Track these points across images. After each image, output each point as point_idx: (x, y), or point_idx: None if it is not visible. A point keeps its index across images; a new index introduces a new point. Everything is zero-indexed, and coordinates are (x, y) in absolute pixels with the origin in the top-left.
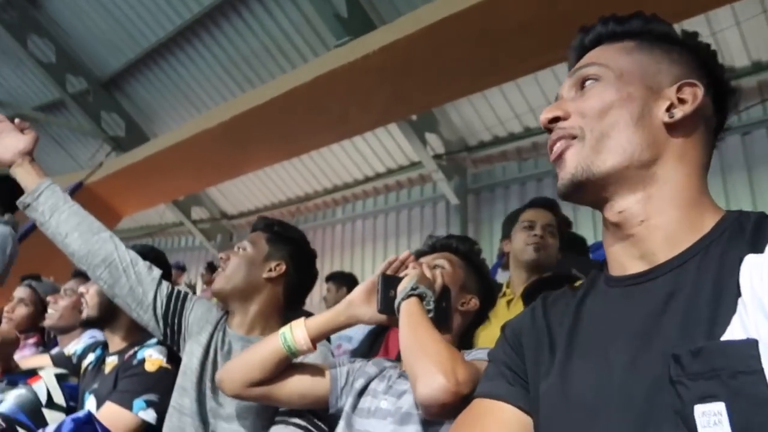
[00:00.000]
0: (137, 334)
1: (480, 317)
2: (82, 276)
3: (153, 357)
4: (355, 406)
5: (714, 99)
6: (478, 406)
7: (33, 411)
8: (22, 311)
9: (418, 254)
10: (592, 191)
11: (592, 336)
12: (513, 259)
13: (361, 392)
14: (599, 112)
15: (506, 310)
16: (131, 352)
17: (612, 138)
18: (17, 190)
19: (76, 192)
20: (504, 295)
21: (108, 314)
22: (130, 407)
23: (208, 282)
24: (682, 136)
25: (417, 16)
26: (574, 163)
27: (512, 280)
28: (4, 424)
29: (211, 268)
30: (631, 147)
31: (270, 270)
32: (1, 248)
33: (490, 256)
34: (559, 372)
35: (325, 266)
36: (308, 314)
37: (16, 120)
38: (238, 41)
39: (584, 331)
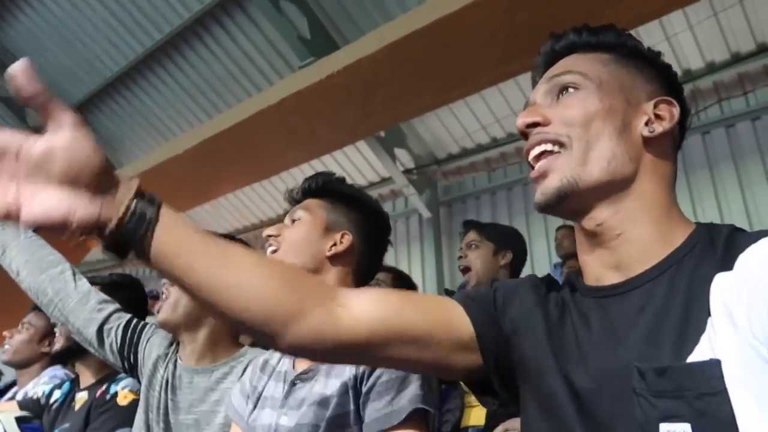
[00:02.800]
0: (109, 368)
1: (370, 248)
2: (38, 309)
3: (126, 390)
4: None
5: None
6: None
7: None
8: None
9: (285, 214)
10: (575, 203)
11: (573, 344)
12: None
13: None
14: (583, 122)
15: None
16: (103, 387)
17: (596, 150)
18: None
19: None
20: None
21: (80, 347)
22: None
23: None
24: (656, 151)
25: (379, 35)
26: (560, 175)
27: None
28: None
29: None
30: (615, 160)
31: None
32: None
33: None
34: (558, 382)
35: None
36: None
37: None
38: (201, 67)
39: (568, 338)
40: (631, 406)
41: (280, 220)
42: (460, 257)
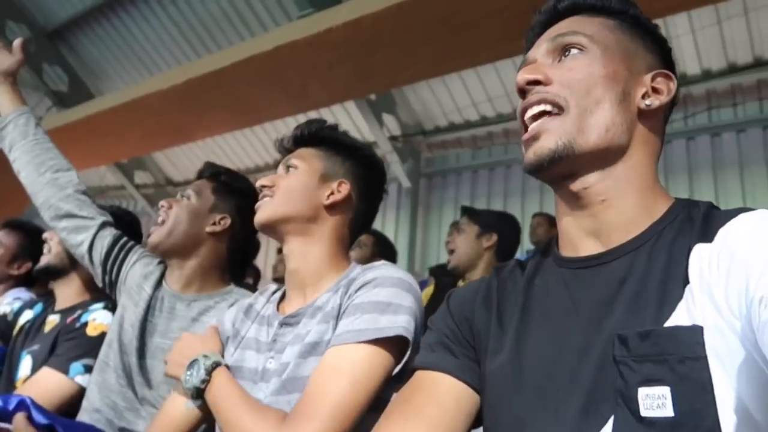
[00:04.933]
0: (90, 293)
1: (366, 198)
2: (10, 227)
3: (96, 321)
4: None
5: None
6: (417, 379)
7: None
8: None
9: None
10: (566, 167)
11: (543, 318)
12: None
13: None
14: (586, 86)
15: None
16: (75, 314)
17: (595, 116)
18: None
19: None
20: None
21: (68, 266)
22: (66, 371)
23: None
24: (650, 125)
25: None
26: (555, 137)
27: None
28: None
29: None
30: (613, 128)
31: (214, 223)
32: None
33: (438, 242)
34: (511, 352)
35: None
36: (256, 270)
37: (16, 41)
38: (196, 3)
39: (535, 313)
40: (611, 375)
41: (257, 170)
42: (448, 241)
